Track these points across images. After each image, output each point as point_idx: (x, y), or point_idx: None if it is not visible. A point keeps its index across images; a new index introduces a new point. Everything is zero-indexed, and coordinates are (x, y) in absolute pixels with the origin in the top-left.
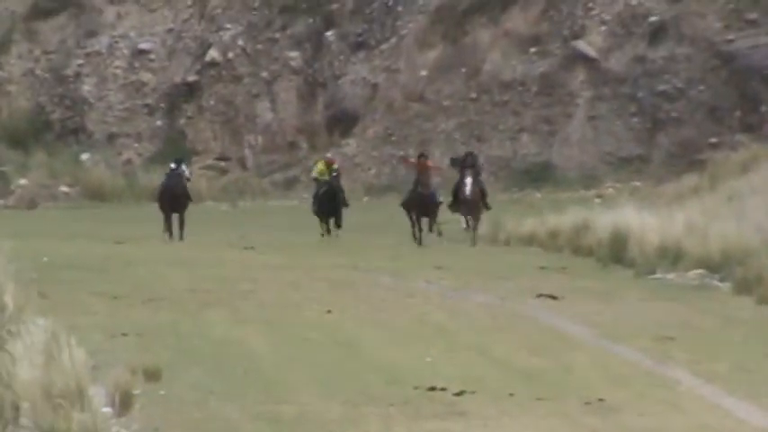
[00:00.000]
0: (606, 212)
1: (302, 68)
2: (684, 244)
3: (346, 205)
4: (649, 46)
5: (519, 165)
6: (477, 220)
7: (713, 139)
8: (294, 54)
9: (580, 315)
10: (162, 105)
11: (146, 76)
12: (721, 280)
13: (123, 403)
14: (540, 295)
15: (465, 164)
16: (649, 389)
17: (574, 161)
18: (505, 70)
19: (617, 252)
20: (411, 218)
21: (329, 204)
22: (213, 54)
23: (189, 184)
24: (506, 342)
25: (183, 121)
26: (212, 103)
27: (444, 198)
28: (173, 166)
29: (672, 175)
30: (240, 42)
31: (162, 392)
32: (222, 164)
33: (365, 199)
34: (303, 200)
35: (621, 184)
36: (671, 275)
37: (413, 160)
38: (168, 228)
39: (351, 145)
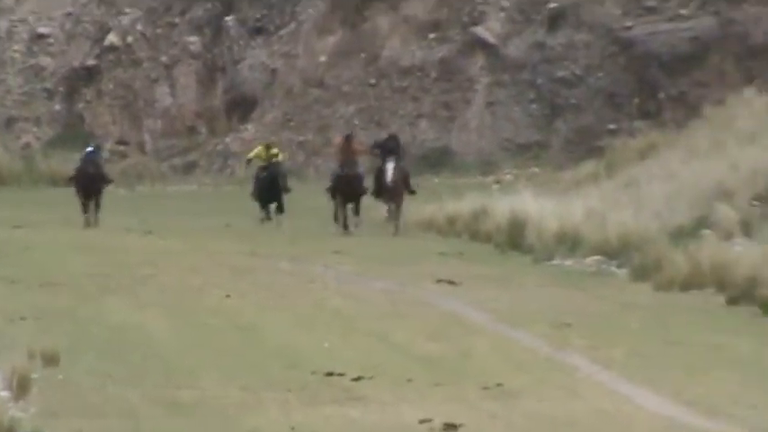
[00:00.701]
0: (504, 198)
1: (201, 53)
2: (582, 230)
3: (288, 190)
4: (548, 32)
5: (417, 150)
6: (399, 207)
7: (611, 126)
8: (193, 39)
9: (478, 301)
10: (61, 89)
11: (44, 61)
12: (619, 266)
13: (21, 387)
14: (438, 281)
15: (386, 148)
16: (548, 374)
17: (472, 147)
18: (404, 56)
19: (515, 238)
20: (336, 203)
21: (269, 190)
22: (112, 38)
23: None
24: (405, 327)
25: (81, 105)
26: (111, 87)
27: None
28: (89, 149)
29: (570, 161)
30: (139, 27)
31: (60, 377)
32: (121, 148)
33: None
34: (203, 184)
35: (520, 171)
36: (569, 262)
37: (338, 139)
38: (86, 212)
39: (249, 130)
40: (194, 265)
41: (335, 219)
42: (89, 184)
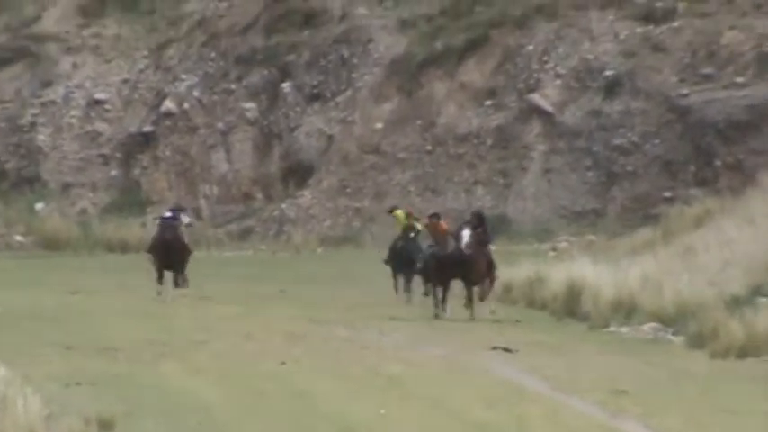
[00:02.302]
0: (560, 266)
1: (258, 120)
2: (638, 298)
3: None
4: (604, 100)
5: None
6: (478, 283)
7: (668, 194)
8: (250, 105)
9: (534, 368)
10: (117, 155)
11: (101, 126)
12: (675, 334)
13: None
14: (494, 348)
15: (467, 222)
16: None
17: (528, 214)
18: (461, 123)
19: (571, 305)
20: (434, 288)
21: (404, 264)
22: (169, 105)
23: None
24: (461, 395)
25: (138, 171)
26: (168, 153)
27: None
28: (167, 214)
29: (626, 228)
30: (196, 93)
31: None
32: None
33: (319, 250)
34: (259, 250)
35: (576, 238)
36: (625, 329)
37: (425, 221)
38: (161, 283)
39: (306, 196)
40: (249, 331)
41: (434, 302)
42: (167, 254)
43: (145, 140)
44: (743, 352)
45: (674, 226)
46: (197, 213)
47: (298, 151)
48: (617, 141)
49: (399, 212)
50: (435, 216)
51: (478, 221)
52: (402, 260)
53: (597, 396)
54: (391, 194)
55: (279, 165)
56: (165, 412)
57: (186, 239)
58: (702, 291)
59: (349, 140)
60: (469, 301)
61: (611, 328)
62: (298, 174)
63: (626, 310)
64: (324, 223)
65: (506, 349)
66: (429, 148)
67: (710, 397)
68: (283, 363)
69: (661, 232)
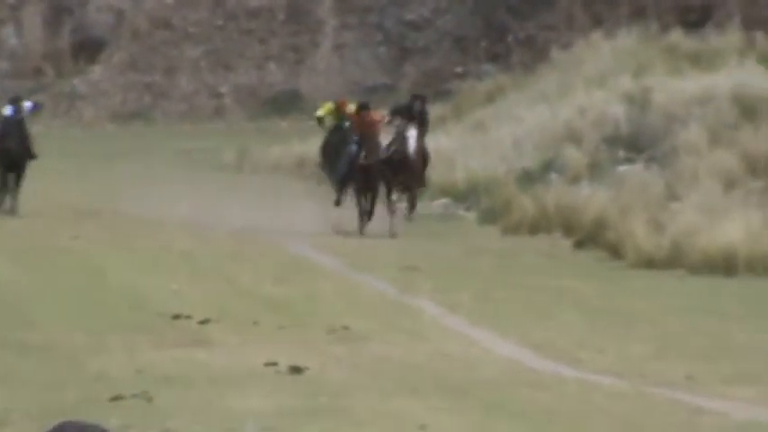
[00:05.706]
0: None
1: None
2: (430, 173)
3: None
4: None
5: (265, 93)
6: (413, 190)
7: (459, 69)
8: None
9: (326, 245)
10: None
11: None
12: (467, 210)
13: None
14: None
15: (411, 112)
16: (394, 318)
17: (321, 90)
18: None
19: None
20: (359, 198)
21: (345, 168)
22: None
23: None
24: (253, 271)
25: None
26: None
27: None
28: (8, 112)
29: None
30: None
31: None
32: None
33: (110, 126)
34: (49, 126)
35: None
36: None
37: (349, 113)
38: (5, 191)
39: (96, 72)
40: (39, 208)
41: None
42: (11, 161)
43: None
44: (534, 228)
45: (466, 102)
46: None
47: (88, 26)
48: (409, 17)
49: (329, 104)
50: (364, 107)
51: (421, 107)
52: (342, 162)
53: (389, 273)
54: (182, 69)
55: (69, 40)
56: None
57: (30, 140)
58: (494, 166)
59: (140, 15)
60: (411, 209)
61: (403, 204)
62: (88, 49)
63: None
64: (114, 99)
65: None
66: (220, 22)
67: (502, 273)
68: (76, 237)
69: (453, 108)
